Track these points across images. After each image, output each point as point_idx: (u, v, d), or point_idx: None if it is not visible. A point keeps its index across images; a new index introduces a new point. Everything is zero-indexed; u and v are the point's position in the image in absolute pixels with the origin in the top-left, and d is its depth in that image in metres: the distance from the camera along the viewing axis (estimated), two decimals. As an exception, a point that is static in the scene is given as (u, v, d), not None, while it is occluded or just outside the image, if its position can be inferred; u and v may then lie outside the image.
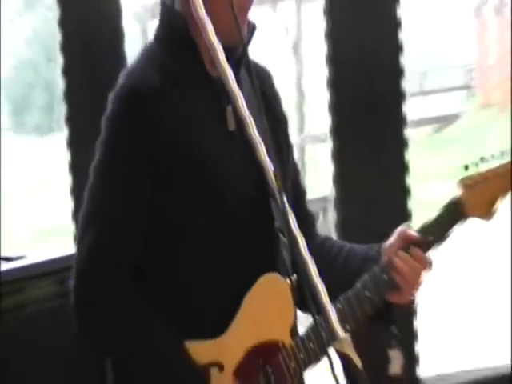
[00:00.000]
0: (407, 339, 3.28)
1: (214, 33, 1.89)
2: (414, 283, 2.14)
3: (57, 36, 2.96)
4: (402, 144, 3.30)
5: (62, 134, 3.20)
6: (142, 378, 2.11)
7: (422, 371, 3.56)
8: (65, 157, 3.00)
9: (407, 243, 2.13)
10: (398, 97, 3.34)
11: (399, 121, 3.35)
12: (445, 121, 18.12)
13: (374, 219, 3.19)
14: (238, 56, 2.09)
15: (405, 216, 3.08)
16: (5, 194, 12.55)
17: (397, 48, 3.32)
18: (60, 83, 3.06)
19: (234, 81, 1.88)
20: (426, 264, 2.12)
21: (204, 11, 1.89)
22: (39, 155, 16.56)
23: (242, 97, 1.89)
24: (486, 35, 18.77)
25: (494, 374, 3.70)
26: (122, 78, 2.12)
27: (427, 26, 17.54)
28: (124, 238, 2.05)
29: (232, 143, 2.09)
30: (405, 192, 3.27)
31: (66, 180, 3.03)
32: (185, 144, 2.06)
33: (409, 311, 3.03)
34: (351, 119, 3.29)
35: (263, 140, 1.89)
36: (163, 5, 2.16)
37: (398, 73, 3.32)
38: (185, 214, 2.08)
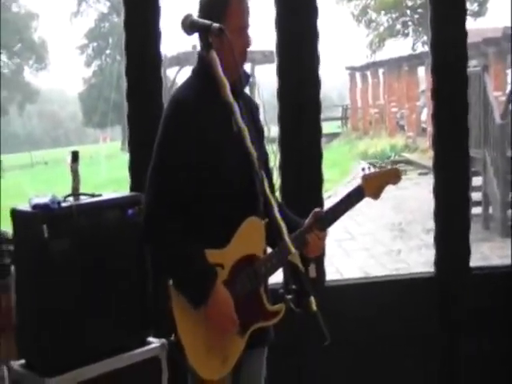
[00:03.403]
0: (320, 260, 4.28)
1: (224, 77, 2.60)
2: (319, 248, 2.88)
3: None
4: (319, 147, 4.39)
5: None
6: (177, 270, 2.74)
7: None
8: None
9: (317, 218, 2.86)
10: (317, 124, 4.40)
11: (318, 131, 4.42)
12: (332, 136, 27.59)
13: (299, 185, 4.30)
14: (239, 90, 2.80)
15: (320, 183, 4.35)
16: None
17: (317, 87, 4.35)
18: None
19: (236, 104, 2.60)
20: (325, 237, 2.87)
21: (219, 63, 2.62)
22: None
23: (238, 112, 2.58)
24: (355, 90, 29.62)
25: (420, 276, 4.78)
26: (172, 95, 2.85)
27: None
28: (172, 189, 2.71)
29: (234, 136, 2.69)
30: (320, 173, 4.38)
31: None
32: (208, 135, 2.74)
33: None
34: (290, 131, 4.32)
35: (252, 136, 2.62)
36: (199, 54, 2.86)
37: (318, 105, 4.36)
38: (209, 173, 2.74)
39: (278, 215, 2.48)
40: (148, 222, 2.75)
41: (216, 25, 2.62)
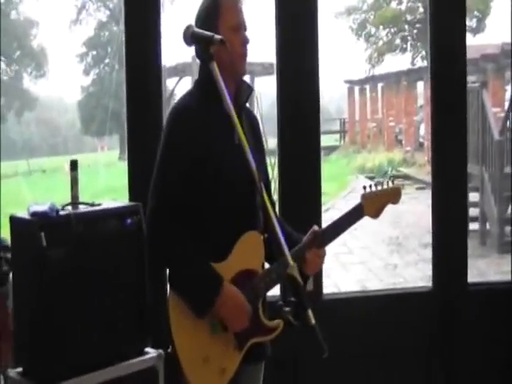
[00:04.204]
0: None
1: (224, 89, 2.58)
2: (317, 265, 2.89)
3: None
4: (318, 161, 4.43)
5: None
6: (183, 275, 2.73)
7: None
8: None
9: (316, 236, 2.85)
10: (317, 137, 4.41)
11: (317, 144, 4.42)
12: (330, 149, 27.60)
13: (298, 199, 4.30)
14: (241, 103, 2.85)
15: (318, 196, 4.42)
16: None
17: (317, 99, 4.36)
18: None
19: (237, 117, 2.60)
20: (323, 255, 2.87)
21: (219, 75, 2.60)
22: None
23: (238, 124, 2.57)
24: (353, 104, 29.90)
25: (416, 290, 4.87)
26: (175, 104, 2.87)
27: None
28: (174, 196, 2.72)
29: (234, 149, 2.72)
30: (319, 186, 4.39)
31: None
32: (209, 144, 2.74)
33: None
34: (289, 144, 4.32)
35: (252, 149, 2.63)
36: (200, 65, 2.85)
37: (318, 118, 4.38)
38: (209, 184, 2.75)
39: (277, 229, 2.47)
40: (153, 221, 2.73)
41: (218, 36, 2.61)
